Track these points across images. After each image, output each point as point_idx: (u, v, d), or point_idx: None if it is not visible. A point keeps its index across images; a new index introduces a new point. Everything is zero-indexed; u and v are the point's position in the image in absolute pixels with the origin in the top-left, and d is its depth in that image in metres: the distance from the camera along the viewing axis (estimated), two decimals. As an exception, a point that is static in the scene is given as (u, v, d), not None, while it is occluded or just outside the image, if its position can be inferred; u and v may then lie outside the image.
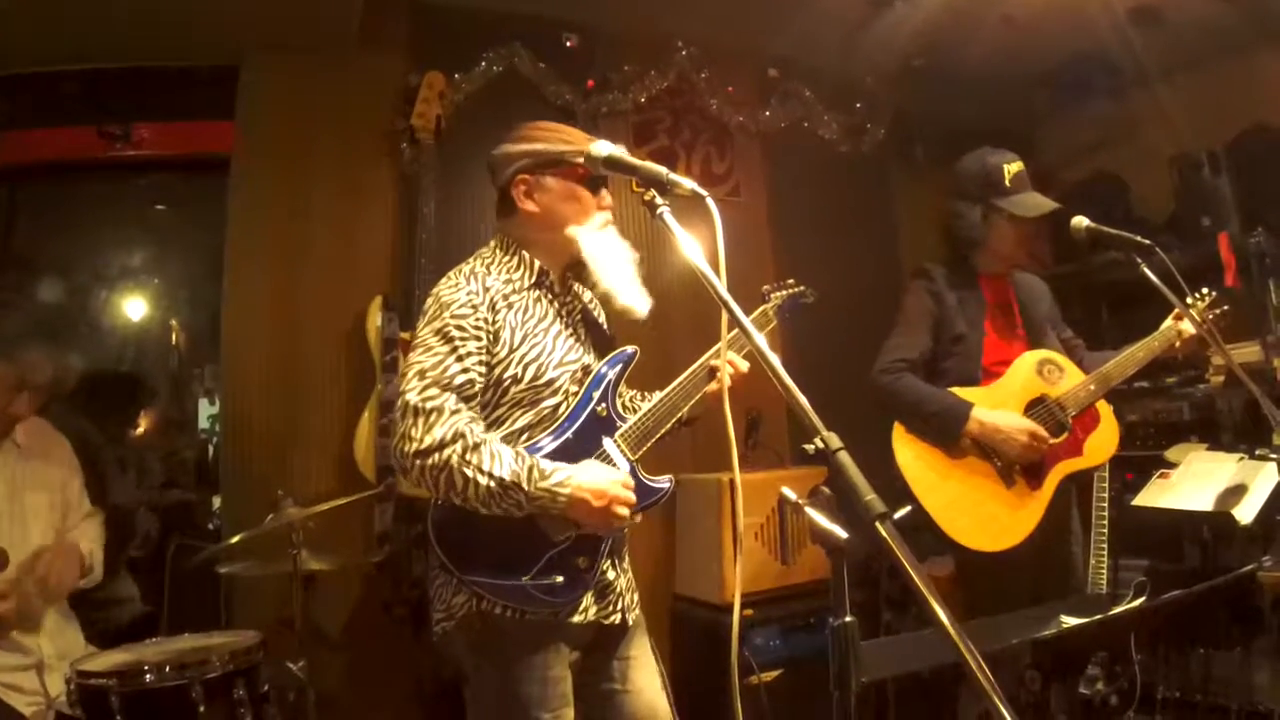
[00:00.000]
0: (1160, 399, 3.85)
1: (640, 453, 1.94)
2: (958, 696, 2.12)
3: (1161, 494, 2.91)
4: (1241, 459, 2.84)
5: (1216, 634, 2.51)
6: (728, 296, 1.29)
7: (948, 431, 2.54)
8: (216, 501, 4.03)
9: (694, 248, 1.37)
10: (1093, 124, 4.71)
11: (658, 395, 2.02)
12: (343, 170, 3.57)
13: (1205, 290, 2.80)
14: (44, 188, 3.91)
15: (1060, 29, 4.05)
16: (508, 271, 1.94)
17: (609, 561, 1.92)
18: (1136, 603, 2.24)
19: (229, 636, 2.46)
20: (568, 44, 3.92)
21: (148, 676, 2.10)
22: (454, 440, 1.71)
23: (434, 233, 3.27)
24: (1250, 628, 2.49)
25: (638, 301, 1.92)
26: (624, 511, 1.80)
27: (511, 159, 1.95)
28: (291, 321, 3.42)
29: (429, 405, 1.73)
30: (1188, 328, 2.65)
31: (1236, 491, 2.71)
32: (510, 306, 1.88)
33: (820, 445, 1.12)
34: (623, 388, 2.04)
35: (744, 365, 1.99)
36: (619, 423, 1.93)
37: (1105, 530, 3.03)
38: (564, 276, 2.03)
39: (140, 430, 4.42)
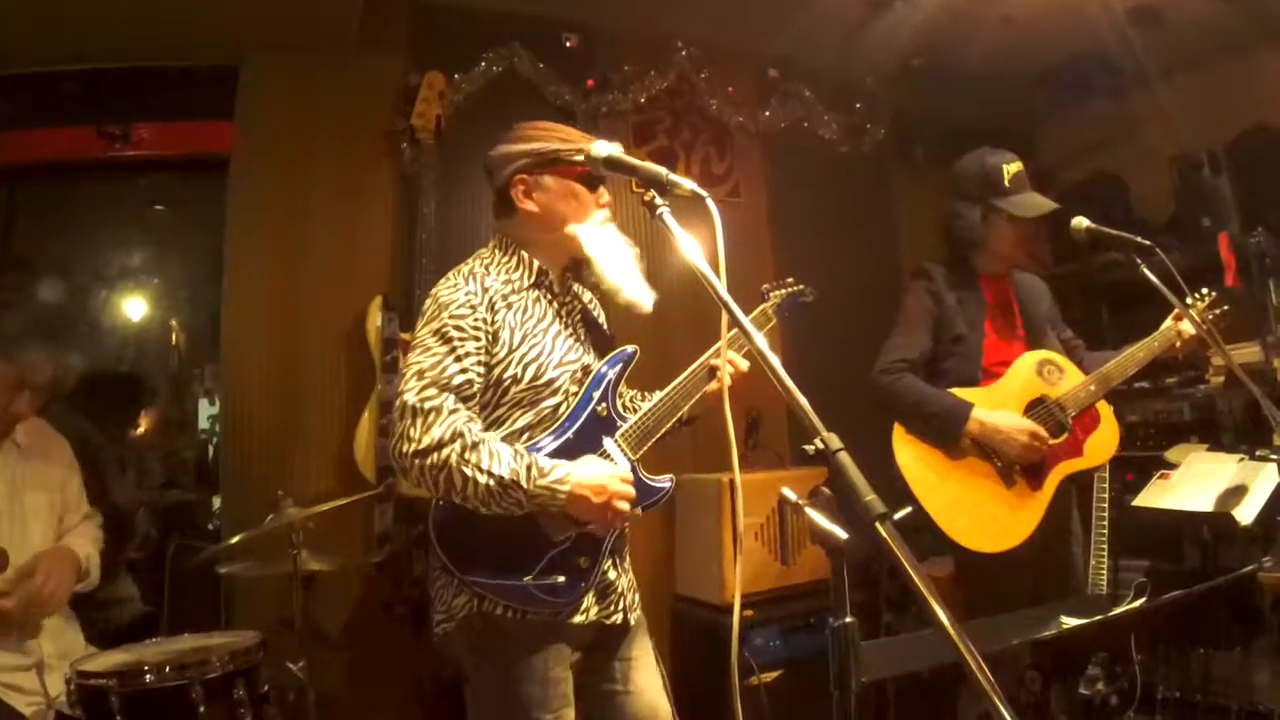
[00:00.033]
0: (1160, 399, 3.85)
1: (641, 452, 1.94)
2: (958, 697, 2.12)
3: (1162, 495, 2.90)
4: (1242, 460, 2.83)
5: (1217, 634, 2.51)
6: (728, 297, 1.29)
7: (948, 432, 2.54)
8: (216, 502, 4.03)
9: (694, 248, 1.37)
10: (1092, 124, 4.71)
11: (658, 395, 2.02)
12: (343, 170, 3.57)
13: (1205, 290, 2.80)
14: (44, 188, 3.91)
15: (1060, 29, 4.06)
16: (507, 272, 1.94)
17: (610, 561, 1.92)
18: (1137, 603, 2.24)
19: (229, 637, 2.46)
20: (567, 44, 3.92)
21: (148, 677, 2.10)
22: (452, 439, 1.71)
23: (434, 233, 3.27)
24: (1250, 628, 2.49)
25: (643, 296, 1.93)
26: (624, 506, 1.80)
27: (509, 159, 1.94)
28: (291, 322, 3.42)
29: (427, 405, 1.73)
30: (1188, 328, 2.65)
31: (1237, 492, 2.70)
32: (509, 307, 1.88)
33: (820, 446, 1.12)
34: (623, 387, 2.04)
35: (744, 364, 1.99)
36: (619, 422, 1.93)
37: (1105, 531, 3.03)
38: (563, 276, 2.03)
39: (140, 430, 4.42)
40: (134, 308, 5.47)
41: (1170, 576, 3.04)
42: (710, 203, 1.38)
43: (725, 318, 1.32)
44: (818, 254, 4.09)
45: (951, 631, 0.95)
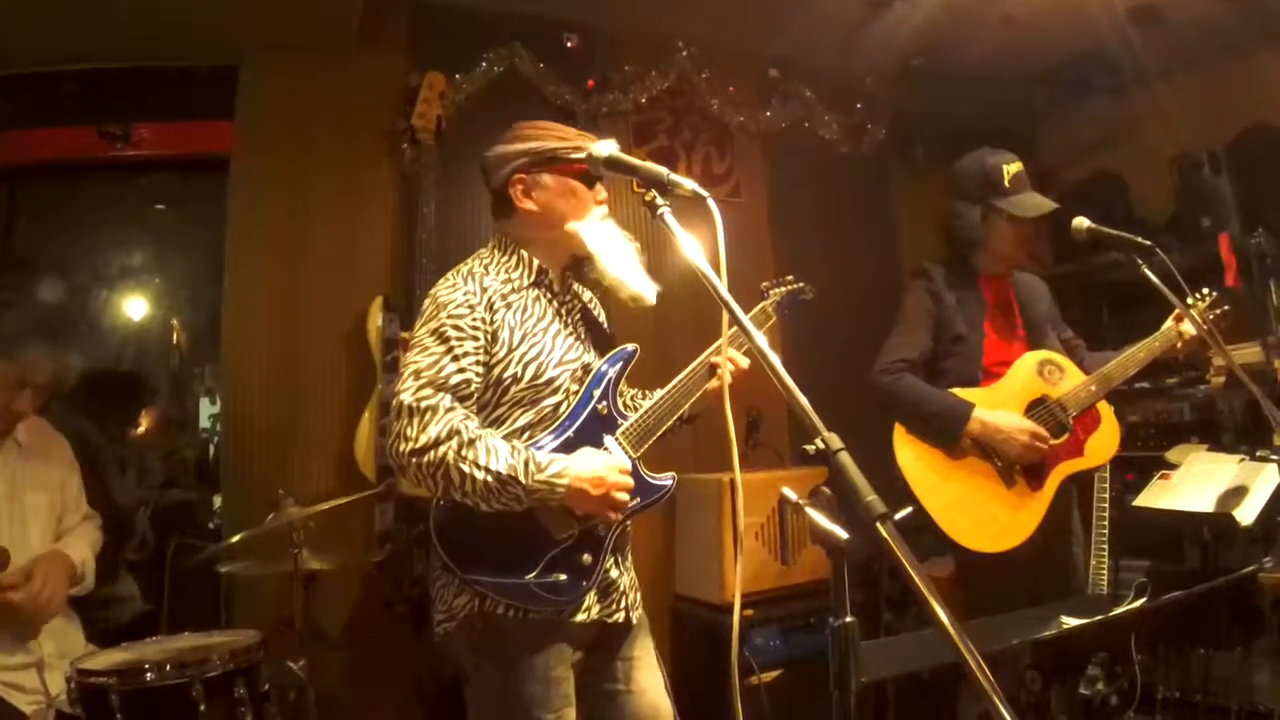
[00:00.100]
0: (1161, 400, 3.85)
1: (642, 450, 1.95)
2: (958, 697, 2.11)
3: (1162, 495, 2.91)
4: (1242, 460, 2.84)
5: (1217, 635, 2.51)
6: (728, 297, 1.29)
7: (948, 432, 2.54)
8: (217, 501, 4.03)
9: (695, 248, 1.37)
10: (1093, 124, 4.71)
11: (659, 393, 2.01)
12: (343, 170, 3.57)
13: (1206, 291, 2.80)
14: (44, 187, 3.91)
15: (1060, 28, 4.06)
16: (506, 271, 1.94)
17: (612, 560, 1.92)
18: (1137, 603, 2.24)
19: (229, 635, 2.46)
20: (568, 44, 3.92)
21: (148, 675, 2.10)
22: (449, 437, 1.71)
23: (434, 233, 3.28)
24: (1250, 628, 2.49)
25: (646, 289, 1.93)
26: (623, 497, 1.80)
27: (506, 159, 1.94)
28: (292, 321, 3.42)
29: (423, 404, 1.73)
30: (1188, 328, 2.65)
31: (1237, 492, 2.71)
32: (509, 306, 1.88)
33: (821, 445, 1.12)
34: (623, 386, 2.04)
35: (744, 362, 1.99)
36: (620, 420, 1.94)
37: (1106, 531, 3.03)
38: (563, 275, 2.03)
39: (141, 429, 4.42)
40: (135, 307, 5.46)
41: (1170, 577, 3.04)
42: (711, 203, 1.38)
43: (726, 316, 1.32)
44: (818, 254, 4.09)
45: (952, 631, 0.95)
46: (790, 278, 2.35)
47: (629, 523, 1.96)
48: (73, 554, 2.45)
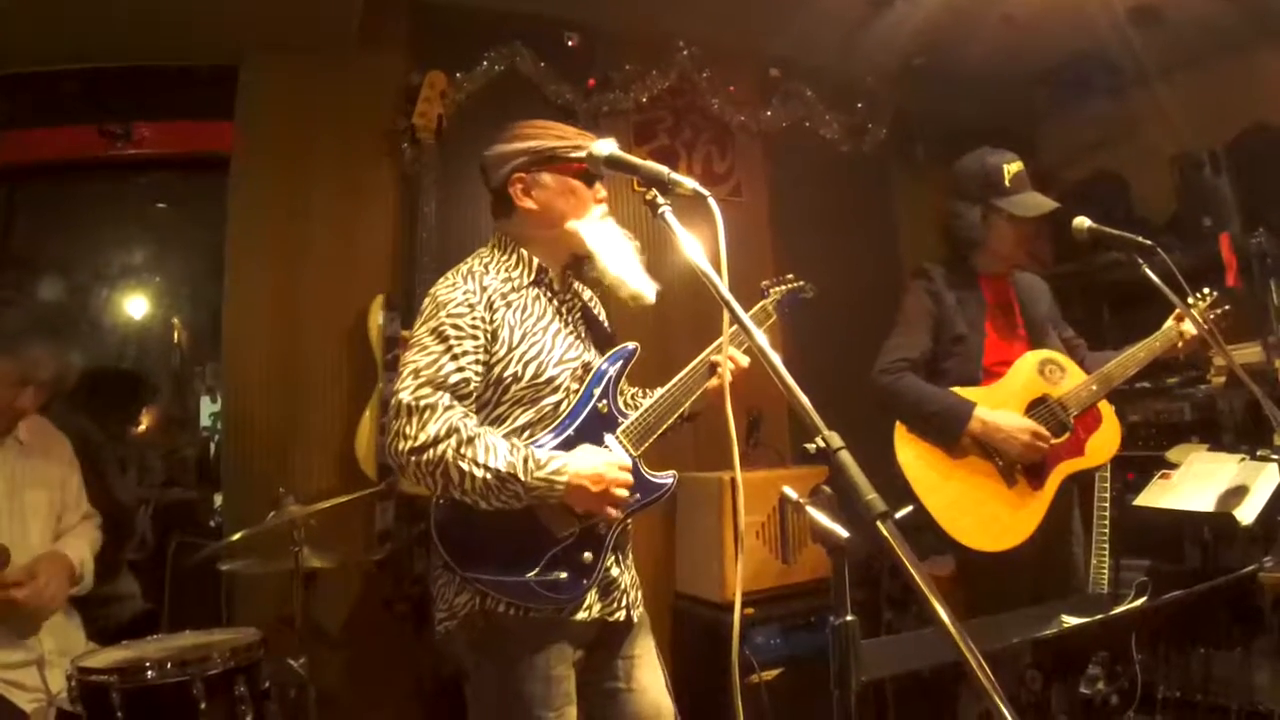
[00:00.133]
0: (1162, 399, 3.85)
1: (642, 448, 1.95)
2: (958, 696, 2.11)
3: (1163, 494, 2.91)
4: (1243, 460, 2.84)
5: (1217, 634, 2.51)
6: (729, 296, 1.30)
7: (949, 431, 2.54)
8: (218, 499, 4.03)
9: (695, 247, 1.37)
10: (1093, 123, 4.71)
11: (659, 391, 2.01)
12: (343, 169, 3.57)
13: (1206, 290, 2.80)
14: (44, 187, 3.91)
15: (1060, 28, 4.05)
16: (506, 270, 1.94)
17: (613, 558, 1.92)
18: (1137, 603, 2.25)
19: (230, 633, 2.46)
20: (569, 43, 3.92)
21: (149, 673, 2.10)
22: (448, 435, 1.72)
23: (435, 232, 3.28)
24: (1251, 628, 2.49)
25: (646, 287, 1.94)
26: (623, 494, 1.80)
27: (506, 158, 1.95)
28: (293, 320, 3.42)
29: (422, 403, 1.74)
30: (1189, 328, 2.65)
31: (1238, 492, 2.71)
32: (509, 305, 1.88)
33: (821, 444, 1.12)
34: (624, 384, 2.04)
35: (744, 360, 1.99)
36: (620, 419, 1.94)
37: (1106, 530, 3.03)
38: (563, 274, 2.03)
39: (142, 428, 4.42)
40: (135, 306, 5.47)
41: (1171, 576, 3.04)
42: (712, 202, 1.38)
43: (726, 315, 1.33)
44: (819, 253, 4.09)
45: (952, 630, 0.95)
46: (790, 276, 2.35)
47: (629, 521, 1.96)
48: (71, 554, 2.45)
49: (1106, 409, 2.70)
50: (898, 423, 2.61)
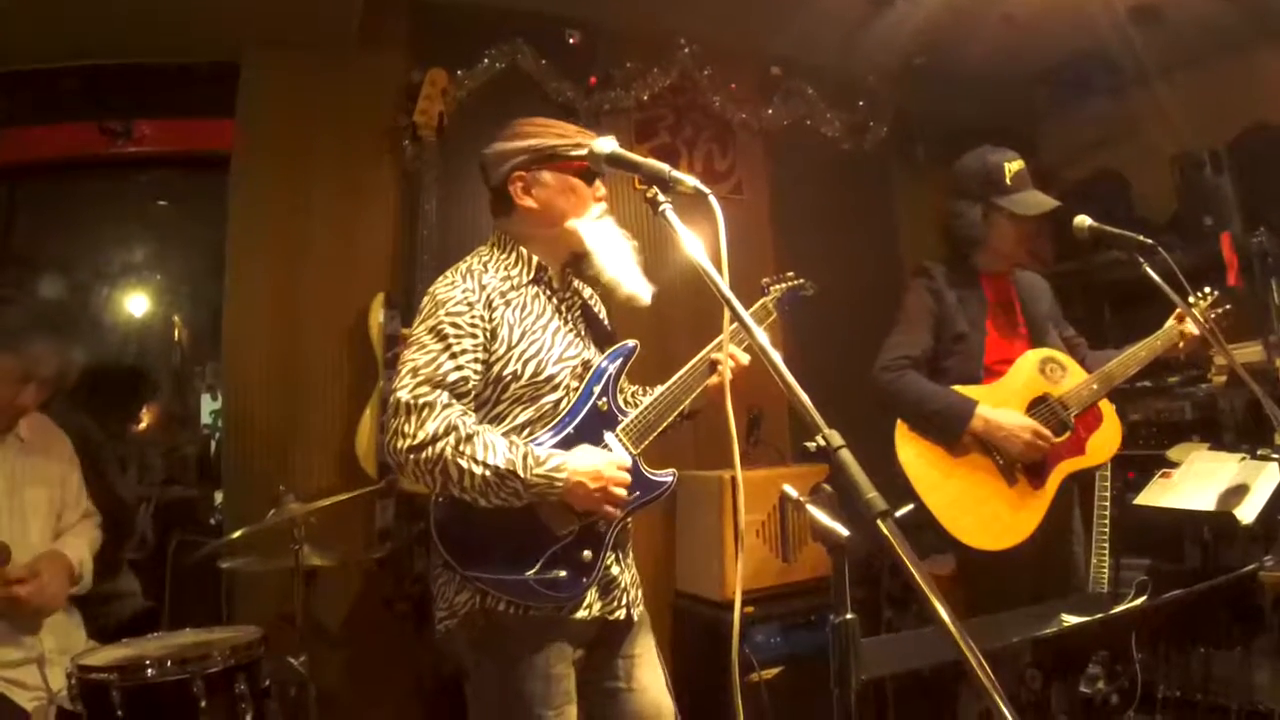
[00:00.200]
0: (1162, 398, 3.85)
1: (642, 447, 1.95)
2: (958, 695, 2.11)
3: (1163, 493, 2.91)
4: (1243, 459, 2.84)
5: (1217, 633, 2.51)
6: (730, 294, 1.29)
7: (951, 429, 2.54)
8: (218, 497, 4.04)
9: (696, 245, 1.37)
10: (1094, 122, 4.70)
11: (659, 389, 2.01)
12: (344, 167, 3.57)
13: (1208, 290, 2.80)
14: (45, 185, 3.90)
15: (1061, 27, 4.05)
16: (505, 269, 1.94)
17: (613, 556, 1.92)
18: (1138, 602, 2.25)
19: (230, 631, 2.46)
20: (570, 41, 3.92)
21: (149, 671, 2.10)
22: (447, 433, 1.72)
23: (436, 230, 3.27)
24: (1251, 627, 2.49)
25: (641, 289, 1.94)
26: (621, 493, 1.80)
27: (506, 156, 1.94)
28: (293, 318, 3.42)
29: (421, 401, 1.74)
30: (1190, 327, 2.65)
31: (1238, 491, 2.71)
32: (508, 303, 1.88)
33: (822, 443, 1.12)
34: (624, 382, 2.04)
35: (744, 358, 1.98)
36: (620, 417, 1.94)
37: (1107, 529, 3.03)
38: (563, 272, 2.03)
39: (142, 426, 4.42)
40: (136, 304, 5.47)
41: (1171, 575, 3.04)
42: (713, 200, 1.38)
43: (727, 312, 1.32)
44: (819, 251, 4.08)
45: (953, 629, 0.95)
46: (791, 274, 2.35)
47: (629, 519, 1.96)
48: (71, 553, 2.45)
49: (1107, 408, 2.70)
50: (899, 421, 2.61)
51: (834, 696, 1.08)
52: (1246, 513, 2.63)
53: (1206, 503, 2.76)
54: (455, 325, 1.81)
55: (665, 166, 1.47)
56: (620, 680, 1.96)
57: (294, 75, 3.54)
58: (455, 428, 1.72)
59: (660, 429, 1.98)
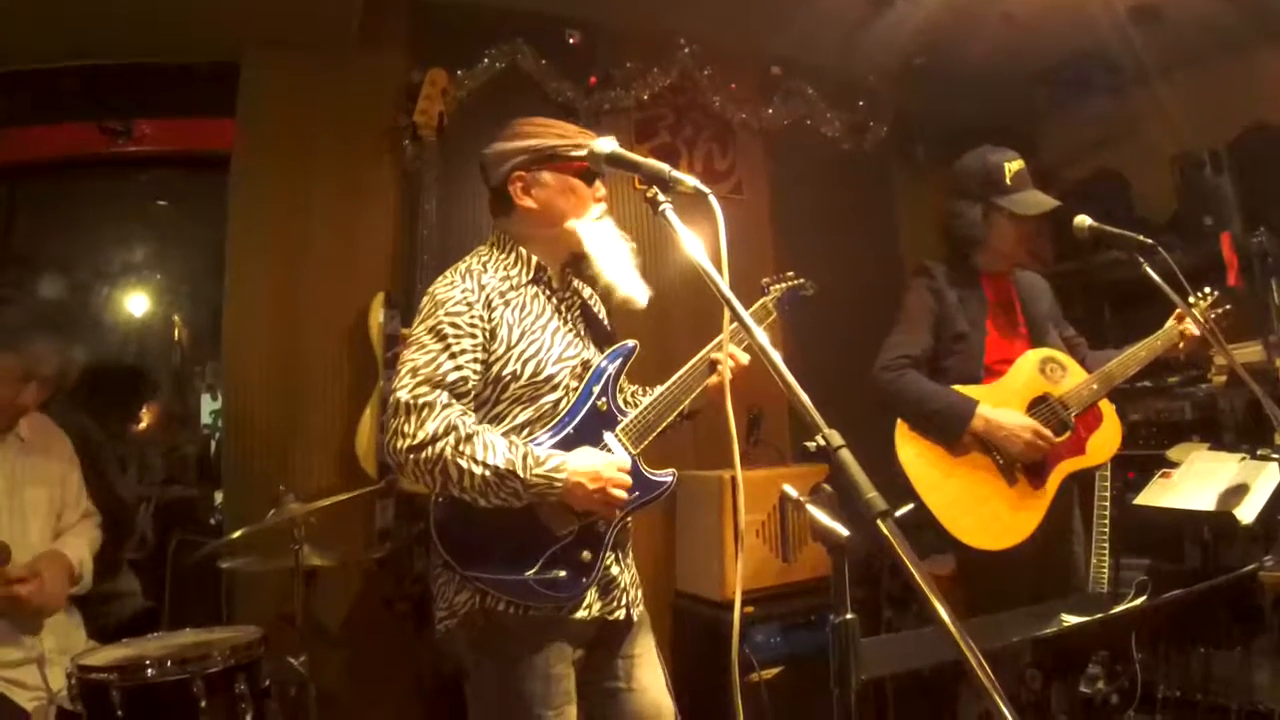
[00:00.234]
0: (1162, 398, 3.85)
1: (642, 447, 1.94)
2: (958, 694, 2.11)
3: (1163, 493, 2.91)
4: (1243, 459, 2.84)
5: (1217, 633, 2.51)
6: (730, 294, 1.29)
7: (952, 428, 2.54)
8: (218, 497, 4.04)
9: (696, 245, 1.37)
10: (1094, 122, 4.70)
11: (659, 389, 2.01)
12: (344, 167, 3.57)
13: (1208, 290, 2.80)
14: (45, 184, 3.90)
15: (1061, 27, 4.05)
16: (505, 269, 1.94)
17: (613, 556, 1.92)
18: (1138, 602, 2.25)
19: (230, 631, 2.46)
20: (570, 41, 3.92)
21: (149, 671, 2.10)
22: (446, 433, 1.72)
23: (436, 229, 3.27)
24: (1251, 627, 2.49)
25: (637, 292, 1.93)
26: (620, 494, 1.80)
27: (506, 156, 1.94)
28: (293, 318, 3.42)
29: (420, 401, 1.74)
30: (1190, 327, 2.65)
31: (1238, 491, 2.71)
32: (507, 304, 1.88)
33: (822, 442, 1.12)
34: (623, 382, 2.04)
35: (744, 358, 1.98)
36: (620, 417, 1.94)
37: (1107, 529, 3.03)
38: (562, 272, 2.03)
39: (142, 426, 4.42)
40: (136, 303, 5.47)
41: (1171, 575, 3.04)
42: (713, 199, 1.38)
43: (727, 312, 1.32)
44: (819, 251, 4.08)
45: (953, 629, 0.95)
46: (791, 274, 2.35)
47: (629, 519, 1.96)
48: (71, 554, 2.45)
49: (1107, 408, 2.70)
50: (899, 421, 2.61)
51: (834, 696, 1.08)
52: (1246, 513, 2.63)
53: (1206, 503, 2.76)
54: (454, 325, 1.81)
55: (665, 166, 1.47)
56: (620, 680, 1.96)
57: (294, 75, 3.54)
58: (455, 428, 1.72)
59: (660, 429, 1.98)
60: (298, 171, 3.50)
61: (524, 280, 1.94)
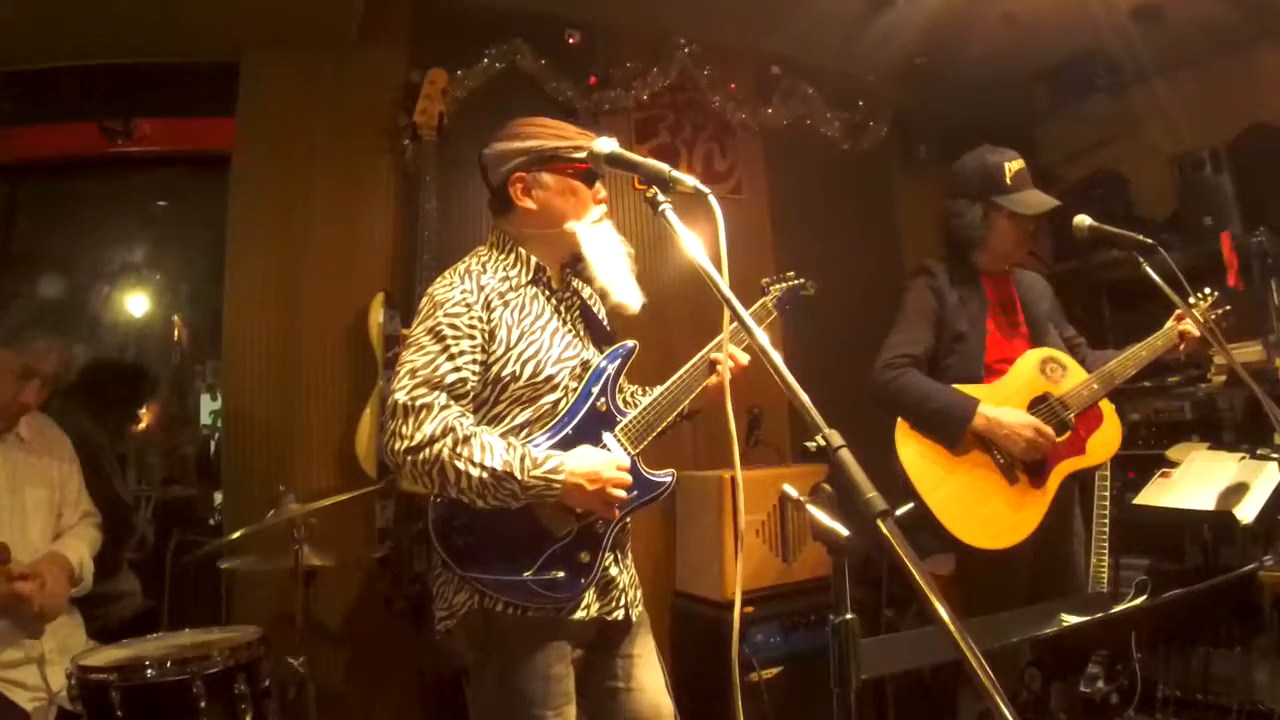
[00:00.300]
0: (1162, 398, 3.86)
1: (641, 447, 1.94)
2: (958, 694, 2.12)
3: (1163, 493, 2.91)
4: (1243, 458, 2.84)
5: (1217, 633, 2.51)
6: (729, 294, 1.29)
7: (953, 427, 2.53)
8: (218, 497, 4.03)
9: (696, 245, 1.37)
10: (1094, 122, 4.70)
11: (658, 389, 2.01)
12: (344, 167, 3.57)
13: (1208, 290, 2.80)
14: (45, 184, 3.91)
15: (1061, 27, 4.05)
16: (504, 269, 1.94)
17: (611, 557, 1.92)
18: (1138, 602, 2.25)
19: (230, 632, 2.46)
20: (569, 41, 3.92)
21: (149, 671, 2.10)
22: (444, 435, 1.72)
23: (436, 229, 3.27)
24: (1250, 627, 2.49)
25: (630, 298, 1.93)
26: (620, 493, 1.80)
27: (506, 157, 1.94)
28: (293, 318, 3.42)
29: (418, 403, 1.74)
30: (1190, 327, 2.65)
31: (1237, 491, 2.71)
32: (506, 304, 1.88)
33: (822, 442, 1.11)
34: (623, 382, 2.04)
35: (744, 358, 1.98)
36: (619, 417, 1.93)
37: (1106, 529, 3.03)
38: (562, 272, 2.03)
39: (142, 426, 4.42)
40: (136, 303, 5.46)
41: (1171, 575, 3.05)
42: (712, 199, 1.37)
43: (726, 312, 1.32)
44: (819, 251, 4.09)
45: (952, 629, 0.95)
46: (791, 273, 2.35)
47: (628, 520, 1.96)
48: (70, 555, 2.45)
49: (1107, 408, 2.70)
50: (899, 420, 2.61)
51: (834, 696, 1.08)
52: (1246, 512, 2.63)
53: (1206, 502, 2.76)
54: (453, 326, 1.80)
55: (665, 166, 1.47)
56: (619, 680, 1.96)
57: (294, 74, 3.54)
58: (452, 429, 1.72)
59: (660, 429, 1.98)
60: (298, 171, 3.50)
61: (523, 281, 1.94)
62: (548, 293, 1.97)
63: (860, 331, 2.98)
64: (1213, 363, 2.86)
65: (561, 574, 1.81)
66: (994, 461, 2.55)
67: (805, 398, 1.15)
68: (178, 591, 3.58)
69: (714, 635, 3.28)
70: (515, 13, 3.82)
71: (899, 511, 2.43)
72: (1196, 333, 2.62)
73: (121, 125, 3.51)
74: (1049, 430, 2.53)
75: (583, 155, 1.82)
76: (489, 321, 1.84)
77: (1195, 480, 2.88)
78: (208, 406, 5.33)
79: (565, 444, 1.85)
